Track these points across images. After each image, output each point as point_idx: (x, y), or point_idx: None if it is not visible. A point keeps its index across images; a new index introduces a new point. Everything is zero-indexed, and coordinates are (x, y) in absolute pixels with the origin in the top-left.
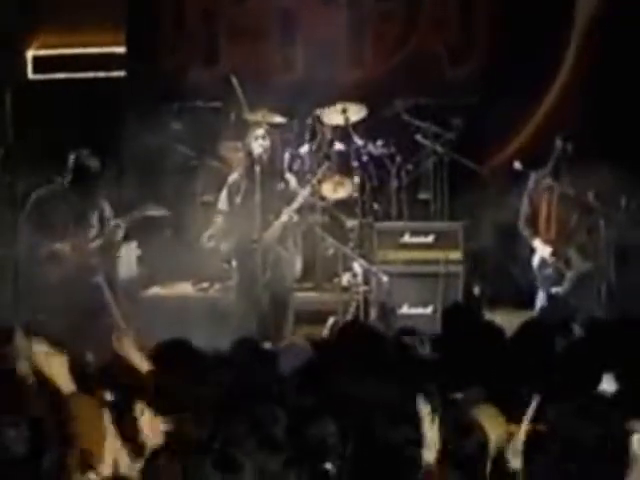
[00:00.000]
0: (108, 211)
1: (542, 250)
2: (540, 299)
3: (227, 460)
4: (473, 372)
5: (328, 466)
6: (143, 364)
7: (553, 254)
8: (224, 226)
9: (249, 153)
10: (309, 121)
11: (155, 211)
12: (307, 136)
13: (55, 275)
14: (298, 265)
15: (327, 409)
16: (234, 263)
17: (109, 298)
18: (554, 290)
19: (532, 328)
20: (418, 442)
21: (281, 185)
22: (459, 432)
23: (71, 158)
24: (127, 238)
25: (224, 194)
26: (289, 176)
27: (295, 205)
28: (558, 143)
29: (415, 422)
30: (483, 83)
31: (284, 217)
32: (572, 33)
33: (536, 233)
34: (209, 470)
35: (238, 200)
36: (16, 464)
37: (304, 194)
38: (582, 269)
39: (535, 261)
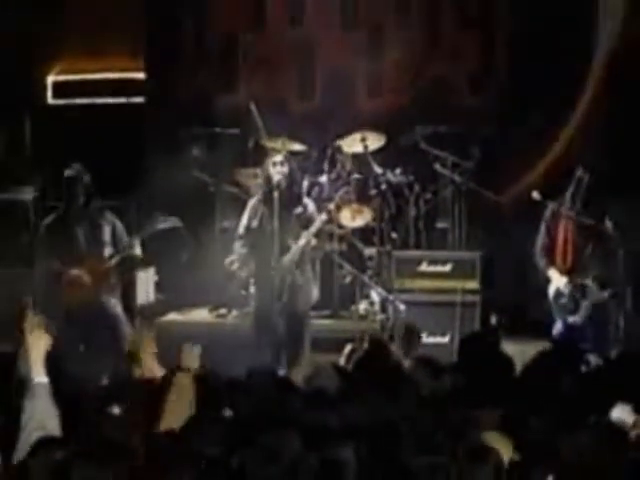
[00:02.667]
0: (120, 228)
1: (558, 280)
2: (557, 329)
3: None
4: (486, 400)
5: None
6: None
7: (569, 282)
8: (242, 252)
9: (268, 179)
10: (328, 149)
11: (167, 223)
12: (326, 164)
13: (74, 301)
14: (315, 292)
15: (347, 433)
16: (252, 289)
17: (124, 324)
18: (571, 319)
19: (546, 359)
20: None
21: (299, 210)
22: (475, 458)
23: (67, 175)
24: (145, 262)
25: (243, 220)
26: (307, 201)
27: (313, 229)
28: (576, 173)
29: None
30: (502, 112)
31: (302, 241)
32: (591, 64)
33: (552, 263)
34: None
35: (256, 226)
36: None
37: (322, 219)
38: (598, 298)
39: (551, 291)
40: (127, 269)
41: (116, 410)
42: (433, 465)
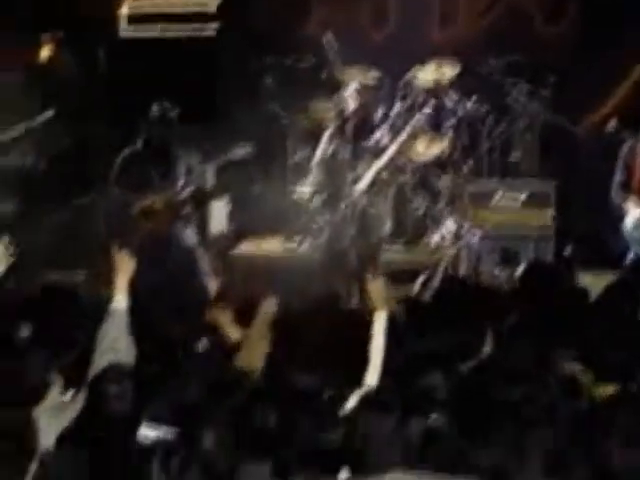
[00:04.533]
0: (195, 160)
1: (635, 212)
2: (630, 260)
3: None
4: (559, 332)
5: (434, 417)
6: (235, 334)
7: None
8: (316, 182)
9: (341, 111)
10: (402, 79)
11: (240, 152)
12: (400, 94)
13: (146, 229)
14: (387, 223)
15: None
16: (324, 219)
17: (201, 255)
18: None
19: (618, 289)
20: (535, 401)
21: (372, 141)
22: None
23: (153, 110)
24: (218, 193)
25: (317, 151)
26: (380, 132)
27: (384, 159)
28: None
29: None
30: (578, 41)
31: (373, 171)
32: None
33: (629, 195)
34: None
35: (329, 157)
36: None
37: (394, 148)
38: None
39: (628, 223)
40: (200, 200)
41: (204, 343)
42: (524, 396)
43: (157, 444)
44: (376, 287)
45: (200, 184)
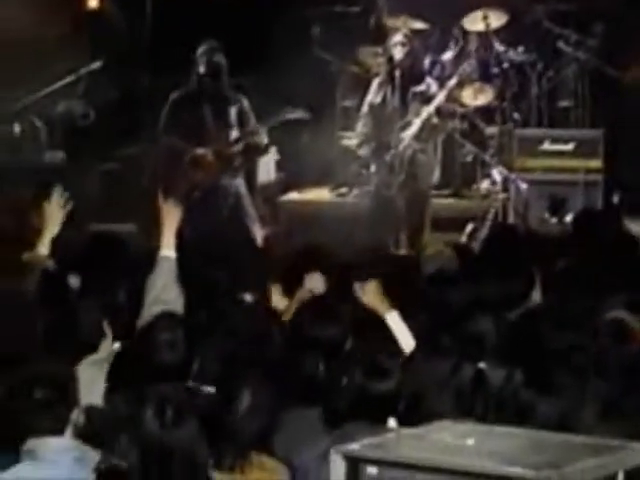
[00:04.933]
0: (247, 108)
1: None
2: None
3: (374, 366)
4: (609, 279)
5: (483, 365)
6: (280, 305)
7: None
8: (364, 130)
9: (389, 58)
10: (450, 27)
11: (295, 114)
12: (449, 42)
13: (198, 179)
14: (437, 171)
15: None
16: (372, 167)
17: (249, 203)
18: None
19: None
20: (584, 349)
21: (421, 88)
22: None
23: (201, 52)
24: (268, 148)
25: (367, 98)
26: (429, 80)
27: (433, 106)
28: None
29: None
30: None
31: (422, 117)
32: None
33: None
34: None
35: (378, 104)
36: None
37: (442, 96)
38: None
39: None
40: (251, 155)
41: (248, 297)
42: (572, 343)
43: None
44: (370, 292)
45: (253, 140)
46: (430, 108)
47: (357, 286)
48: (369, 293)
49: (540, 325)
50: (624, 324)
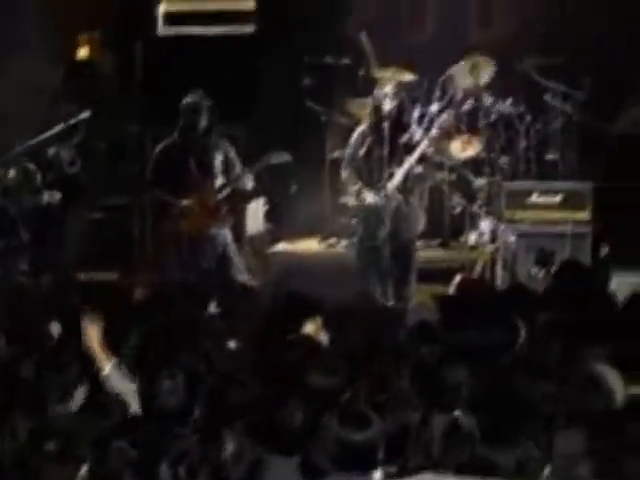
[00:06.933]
0: (233, 156)
1: None
2: None
3: (356, 416)
4: (589, 332)
5: (458, 414)
6: None
7: None
8: (350, 181)
9: (377, 109)
10: (439, 78)
11: (279, 158)
12: (437, 93)
13: (184, 230)
14: (421, 220)
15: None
16: (359, 217)
17: (236, 254)
18: None
19: None
20: (555, 398)
21: (406, 138)
22: (584, 388)
23: (186, 103)
24: (255, 193)
25: (349, 149)
26: (413, 129)
27: (415, 155)
28: None
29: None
30: (613, 42)
31: (404, 167)
32: None
33: None
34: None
35: (363, 155)
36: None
37: (424, 145)
38: None
39: None
40: (238, 201)
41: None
42: (543, 394)
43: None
44: None
45: (239, 186)
46: (412, 158)
47: None
48: None
49: (518, 376)
50: (601, 377)
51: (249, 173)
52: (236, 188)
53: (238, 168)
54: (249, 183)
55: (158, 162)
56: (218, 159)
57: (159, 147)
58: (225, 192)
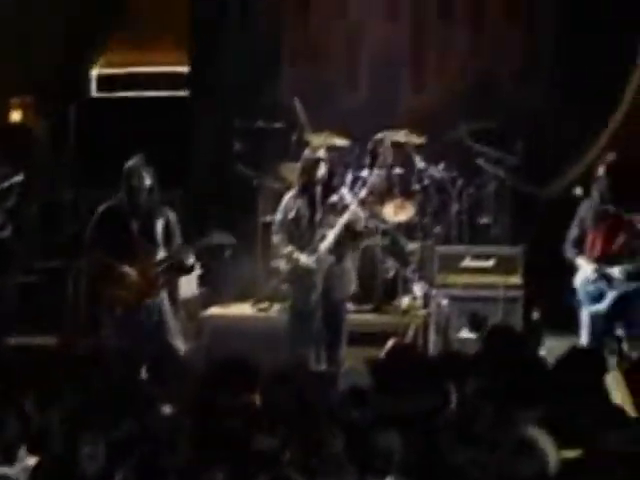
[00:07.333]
0: (174, 225)
1: (585, 267)
2: (584, 318)
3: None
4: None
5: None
6: None
7: (596, 271)
8: (281, 244)
9: (308, 172)
10: (371, 143)
11: (221, 239)
12: (369, 158)
13: (120, 298)
14: (353, 282)
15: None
16: (291, 280)
17: (171, 319)
18: (594, 308)
19: (574, 356)
20: (483, 465)
21: (335, 200)
22: (518, 452)
23: (128, 167)
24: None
25: (278, 214)
26: (343, 191)
27: (345, 217)
28: (600, 171)
29: (481, 443)
30: (546, 106)
31: (336, 231)
32: (638, 50)
33: (581, 252)
34: None
35: (292, 219)
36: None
37: (354, 207)
38: (624, 289)
39: (578, 280)
40: (175, 275)
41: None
42: (473, 460)
43: None
44: None
45: (178, 261)
46: (342, 220)
47: None
48: None
49: (447, 441)
50: (534, 442)
51: (190, 249)
52: (176, 262)
53: (178, 238)
54: (189, 259)
55: (100, 223)
56: (159, 225)
57: (102, 208)
58: (164, 265)
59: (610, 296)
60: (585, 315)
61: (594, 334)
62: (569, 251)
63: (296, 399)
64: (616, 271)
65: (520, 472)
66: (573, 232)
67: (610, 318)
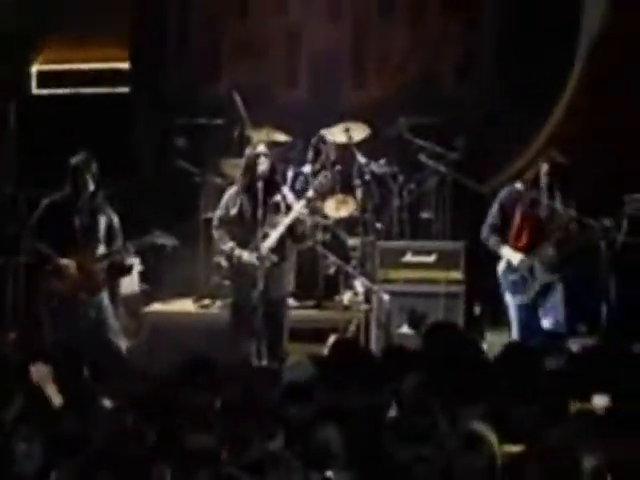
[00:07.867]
0: (116, 223)
1: (511, 256)
2: (512, 311)
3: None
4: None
5: (329, 474)
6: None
7: (521, 262)
8: (221, 241)
9: (250, 169)
10: (312, 139)
11: (165, 240)
12: (310, 154)
13: (57, 290)
14: (291, 285)
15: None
16: (232, 279)
17: (111, 315)
18: (519, 299)
19: (513, 350)
20: (427, 459)
21: (278, 199)
22: (469, 446)
23: (74, 163)
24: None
25: (219, 210)
26: (285, 190)
27: (290, 217)
28: (544, 166)
29: (426, 439)
30: (487, 102)
31: (280, 229)
32: (576, 51)
33: (505, 241)
34: None
35: (234, 215)
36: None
37: (299, 207)
38: (546, 280)
39: (500, 268)
40: (115, 274)
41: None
42: (418, 456)
43: None
44: None
45: (118, 259)
46: (287, 220)
47: None
48: None
49: (389, 437)
50: (476, 437)
51: (131, 248)
52: (116, 260)
53: (120, 239)
54: (130, 259)
55: (43, 215)
56: (102, 224)
57: (46, 201)
58: (104, 263)
59: (534, 286)
60: (512, 307)
61: (521, 325)
62: (491, 239)
63: (243, 395)
64: (541, 261)
65: (467, 467)
66: (491, 219)
67: (534, 309)
